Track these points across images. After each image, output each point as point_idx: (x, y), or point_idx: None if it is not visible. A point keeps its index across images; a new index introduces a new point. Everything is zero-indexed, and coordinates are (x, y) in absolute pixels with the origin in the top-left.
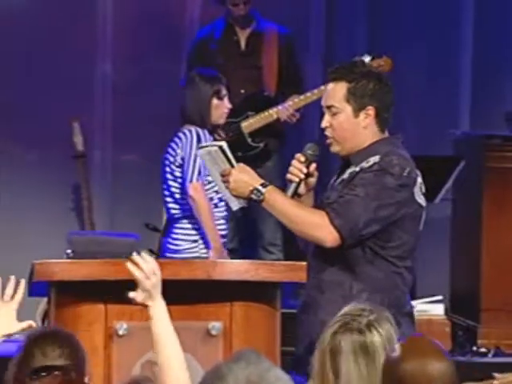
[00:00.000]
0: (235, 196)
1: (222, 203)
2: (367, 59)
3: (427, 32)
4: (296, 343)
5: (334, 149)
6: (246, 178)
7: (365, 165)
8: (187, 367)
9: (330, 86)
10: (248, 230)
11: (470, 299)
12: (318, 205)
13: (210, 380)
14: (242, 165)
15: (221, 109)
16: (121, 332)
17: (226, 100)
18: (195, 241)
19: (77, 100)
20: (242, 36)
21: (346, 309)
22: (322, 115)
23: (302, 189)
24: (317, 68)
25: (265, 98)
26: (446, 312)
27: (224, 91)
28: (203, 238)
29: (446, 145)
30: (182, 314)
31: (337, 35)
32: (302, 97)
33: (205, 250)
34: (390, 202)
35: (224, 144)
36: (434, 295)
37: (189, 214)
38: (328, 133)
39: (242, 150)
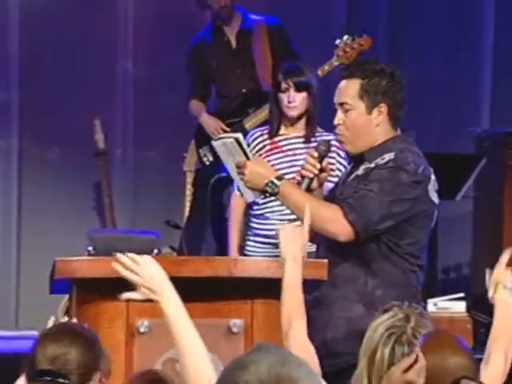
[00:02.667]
0: (250, 188)
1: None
2: (347, 39)
3: (447, 29)
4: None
5: (347, 147)
6: (261, 170)
7: (380, 161)
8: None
9: (343, 83)
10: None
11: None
12: (328, 199)
13: (232, 371)
14: (257, 157)
15: None
16: (142, 329)
17: None
18: None
19: (98, 98)
20: (231, 35)
21: (387, 321)
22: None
23: (314, 184)
24: None
25: (262, 94)
26: (468, 309)
27: None
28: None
29: (467, 142)
30: (203, 312)
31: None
32: None
33: None
34: (404, 198)
35: (240, 136)
36: (455, 292)
37: None
38: (339, 131)
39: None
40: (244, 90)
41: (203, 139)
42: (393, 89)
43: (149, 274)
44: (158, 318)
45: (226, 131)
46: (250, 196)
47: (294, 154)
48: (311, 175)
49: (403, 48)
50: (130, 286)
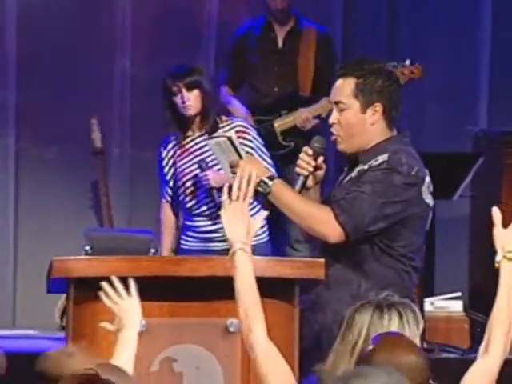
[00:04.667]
0: None
1: None
2: (399, 64)
3: (446, 29)
4: (301, 341)
5: (340, 146)
6: (253, 169)
7: (373, 163)
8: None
9: (339, 81)
10: (274, 228)
11: (489, 296)
12: (325, 201)
13: (352, 374)
14: (250, 156)
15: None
16: (139, 328)
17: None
18: None
19: (95, 97)
20: (280, 34)
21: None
22: None
23: (309, 182)
24: None
25: (299, 98)
26: (465, 309)
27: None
28: None
29: (465, 141)
30: (200, 311)
31: (356, 35)
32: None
33: None
34: (396, 200)
35: (233, 135)
36: (452, 292)
37: None
38: (334, 130)
39: (272, 149)
40: (276, 89)
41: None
42: (389, 88)
43: (125, 308)
44: (154, 318)
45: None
46: None
47: (202, 153)
48: (306, 173)
49: (401, 47)
50: (125, 285)
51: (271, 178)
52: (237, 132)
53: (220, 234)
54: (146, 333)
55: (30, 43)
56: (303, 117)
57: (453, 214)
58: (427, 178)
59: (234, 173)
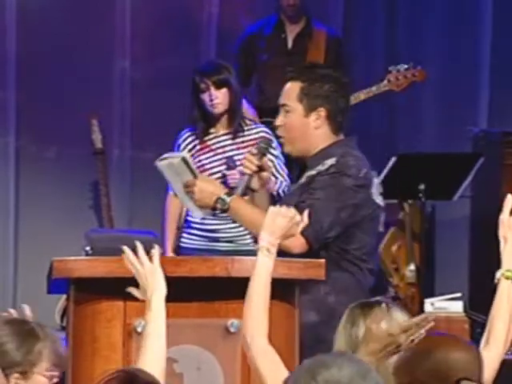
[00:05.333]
0: (200, 206)
1: None
2: (401, 67)
3: (445, 29)
4: None
5: (286, 149)
6: (210, 187)
7: (321, 168)
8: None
9: (287, 85)
10: None
11: (489, 296)
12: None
13: (314, 367)
14: (204, 175)
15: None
16: (140, 329)
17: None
18: None
19: (95, 97)
20: (291, 34)
21: None
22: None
23: (255, 183)
24: None
25: None
26: (465, 309)
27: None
28: None
29: (465, 142)
30: (200, 312)
31: (354, 33)
32: None
33: None
34: (349, 203)
35: (186, 155)
36: (452, 292)
37: None
38: (280, 132)
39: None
40: None
41: None
42: (335, 94)
43: (147, 273)
44: None
45: None
46: (199, 214)
47: (224, 152)
48: (249, 172)
49: (400, 48)
50: (126, 285)
51: (229, 194)
52: (259, 138)
53: (226, 235)
54: None
55: (30, 43)
56: None
57: (453, 215)
58: (375, 180)
59: (189, 192)
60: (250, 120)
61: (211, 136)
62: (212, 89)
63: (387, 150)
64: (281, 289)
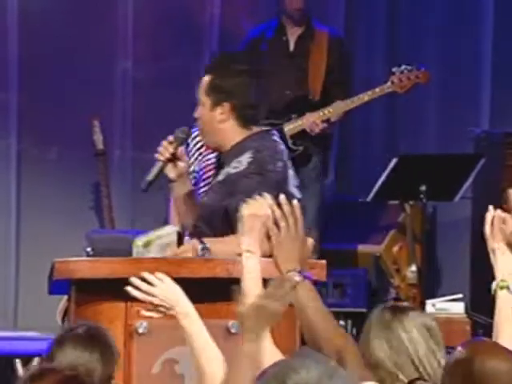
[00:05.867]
0: None
1: None
2: (405, 69)
3: (447, 29)
4: None
5: (203, 140)
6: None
7: (239, 166)
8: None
9: (203, 78)
10: None
11: (491, 298)
12: (199, 206)
13: (282, 371)
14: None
15: None
16: (141, 330)
17: None
18: None
19: (97, 98)
20: (292, 37)
21: None
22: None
23: (172, 173)
24: None
25: (309, 102)
26: (466, 310)
27: None
28: None
29: (466, 142)
30: (201, 313)
31: (355, 34)
32: (342, 104)
33: None
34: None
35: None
36: (454, 293)
37: None
38: (197, 124)
39: None
40: (288, 92)
41: None
42: (241, 88)
43: (162, 292)
44: (157, 319)
45: None
46: None
47: None
48: (162, 158)
49: (402, 48)
50: (128, 286)
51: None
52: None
53: None
54: (148, 334)
55: (32, 45)
56: (311, 120)
57: (454, 216)
58: (291, 171)
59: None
60: None
61: None
62: None
63: (388, 150)
64: None
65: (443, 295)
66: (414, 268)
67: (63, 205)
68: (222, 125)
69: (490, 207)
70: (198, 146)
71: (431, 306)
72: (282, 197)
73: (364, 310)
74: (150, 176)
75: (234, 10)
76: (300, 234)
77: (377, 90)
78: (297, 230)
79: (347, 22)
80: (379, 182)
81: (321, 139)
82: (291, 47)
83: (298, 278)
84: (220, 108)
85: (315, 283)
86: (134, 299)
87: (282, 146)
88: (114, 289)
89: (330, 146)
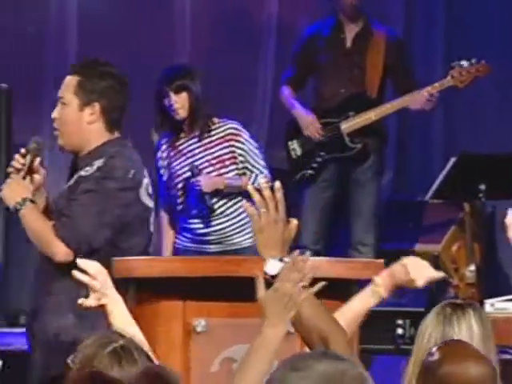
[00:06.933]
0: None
1: None
2: (465, 63)
3: (507, 29)
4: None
5: (59, 142)
6: (21, 188)
7: (89, 169)
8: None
9: (67, 78)
10: (337, 230)
11: None
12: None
13: (289, 371)
14: (13, 180)
15: None
16: (199, 329)
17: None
18: None
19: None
20: (349, 34)
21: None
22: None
23: (30, 186)
24: None
25: (366, 99)
26: None
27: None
28: None
29: None
30: (260, 311)
31: (414, 34)
32: (429, 88)
33: None
34: (114, 206)
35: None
36: None
37: None
38: (56, 125)
39: (340, 151)
40: (342, 91)
41: (294, 132)
42: (111, 90)
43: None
44: (215, 318)
45: (320, 133)
46: None
47: (193, 155)
48: (11, 169)
49: (459, 48)
50: (185, 285)
51: (31, 201)
52: (229, 134)
53: (213, 237)
54: (206, 333)
55: (90, 44)
56: (420, 98)
57: None
58: (145, 180)
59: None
60: (219, 119)
61: (182, 141)
62: (171, 94)
63: (447, 150)
64: (339, 289)
65: (502, 294)
66: (472, 267)
67: None
68: (90, 126)
69: (510, 211)
70: (163, 155)
71: (490, 305)
72: (262, 181)
73: (422, 309)
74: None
75: (291, 9)
76: (281, 217)
77: (436, 84)
78: (277, 214)
79: (406, 21)
80: (438, 181)
81: (378, 136)
82: (348, 45)
83: (278, 265)
84: (90, 108)
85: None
86: (192, 298)
87: (138, 156)
88: (172, 287)
89: (387, 144)
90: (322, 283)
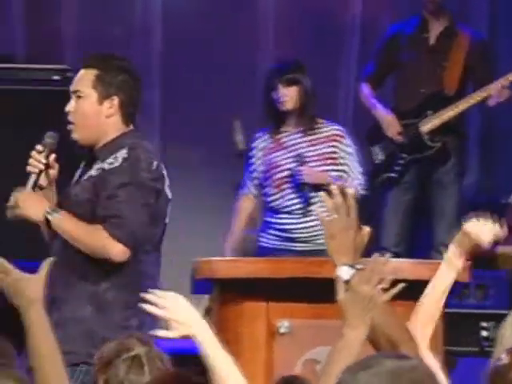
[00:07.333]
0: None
1: None
2: None
3: None
4: None
5: (74, 136)
6: (38, 201)
7: (114, 162)
8: None
9: (81, 71)
10: (419, 232)
11: None
12: (63, 199)
13: (361, 369)
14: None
15: None
16: (282, 330)
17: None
18: None
19: (239, 98)
20: (434, 33)
21: None
22: None
23: (43, 180)
24: None
25: (444, 98)
26: None
27: None
28: None
29: None
30: (340, 313)
31: (498, 35)
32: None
33: None
34: (150, 197)
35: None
36: None
37: None
38: (71, 118)
39: (420, 152)
40: (422, 91)
41: (376, 137)
42: (128, 85)
43: (175, 308)
44: (298, 319)
45: (400, 133)
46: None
47: (297, 149)
48: (36, 170)
49: (502, 58)
50: (269, 286)
51: (55, 210)
52: (335, 135)
53: (301, 235)
54: (289, 334)
55: (174, 43)
56: (498, 89)
57: None
58: (164, 172)
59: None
60: (323, 120)
61: (283, 134)
62: (280, 87)
63: None
64: (420, 291)
65: None
66: None
67: (206, 205)
68: (108, 119)
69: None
70: (260, 146)
71: None
72: (334, 187)
73: (506, 311)
74: (28, 188)
75: (375, 9)
76: (353, 224)
77: (509, 77)
78: (349, 220)
79: (490, 22)
80: None
81: (457, 134)
82: (431, 43)
83: (350, 271)
84: (108, 102)
85: (457, 284)
86: (276, 299)
87: (153, 147)
88: (256, 288)
89: (467, 143)
90: (402, 285)
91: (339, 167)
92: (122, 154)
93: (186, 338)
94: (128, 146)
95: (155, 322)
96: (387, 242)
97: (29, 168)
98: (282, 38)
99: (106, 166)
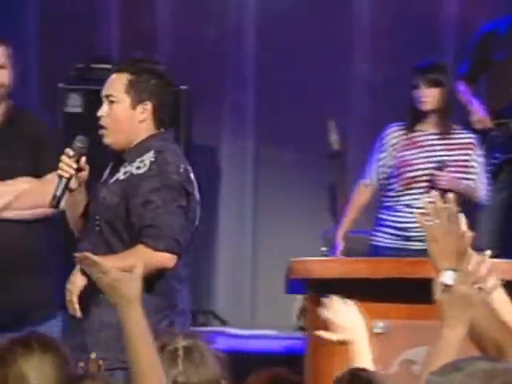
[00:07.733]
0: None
1: None
2: None
3: None
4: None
5: (107, 140)
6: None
7: (141, 166)
8: None
9: (113, 76)
10: None
11: None
12: (93, 200)
13: (450, 371)
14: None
15: None
16: (377, 330)
17: None
18: None
19: (333, 99)
20: None
21: None
22: None
23: (73, 183)
24: None
25: None
26: None
27: None
28: None
29: None
30: (436, 314)
31: None
32: None
33: None
34: (182, 199)
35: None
36: None
37: None
38: (103, 122)
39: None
40: None
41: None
42: (160, 89)
43: (344, 313)
44: (393, 319)
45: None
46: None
47: (433, 150)
48: (67, 175)
49: None
50: (363, 286)
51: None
52: (470, 144)
53: (417, 234)
54: (385, 334)
55: (268, 46)
56: None
57: None
58: (192, 175)
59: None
60: (457, 126)
61: (418, 133)
62: (422, 87)
63: None
64: (505, 289)
65: None
66: None
67: (299, 205)
68: (141, 124)
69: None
70: (392, 141)
71: None
72: (435, 193)
73: None
74: (58, 192)
75: (471, 10)
76: (454, 229)
77: None
78: (451, 225)
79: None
80: None
81: None
82: None
83: (454, 276)
84: (141, 107)
85: None
86: (370, 299)
87: (180, 150)
88: (350, 289)
89: None
90: (496, 283)
91: (469, 176)
92: (149, 157)
93: (343, 343)
94: (155, 148)
95: (185, 324)
96: (484, 242)
97: (59, 172)
98: (377, 39)
99: (133, 170)
